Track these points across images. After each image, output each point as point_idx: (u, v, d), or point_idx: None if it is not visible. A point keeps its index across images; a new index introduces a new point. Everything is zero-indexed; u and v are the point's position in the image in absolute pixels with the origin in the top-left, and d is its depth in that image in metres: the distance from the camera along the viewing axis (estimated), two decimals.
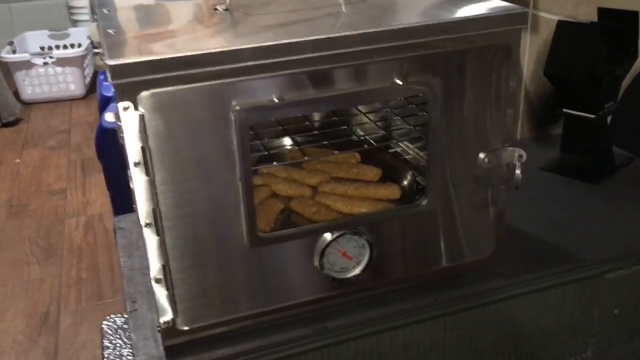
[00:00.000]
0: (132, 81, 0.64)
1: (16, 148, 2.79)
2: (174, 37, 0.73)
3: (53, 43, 3.44)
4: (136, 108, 0.65)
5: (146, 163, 0.68)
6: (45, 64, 3.13)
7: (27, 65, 3.12)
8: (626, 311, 0.98)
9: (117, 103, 0.64)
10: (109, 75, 0.63)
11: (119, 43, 0.69)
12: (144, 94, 0.65)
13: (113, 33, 0.72)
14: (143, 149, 0.67)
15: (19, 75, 3.14)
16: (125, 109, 0.65)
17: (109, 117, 0.67)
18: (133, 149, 0.67)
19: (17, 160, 2.68)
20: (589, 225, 1.02)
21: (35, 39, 3.42)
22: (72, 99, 3.25)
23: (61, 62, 3.14)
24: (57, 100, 3.23)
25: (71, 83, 3.21)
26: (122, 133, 0.66)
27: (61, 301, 1.84)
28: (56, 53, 3.19)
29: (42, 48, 3.40)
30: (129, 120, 0.65)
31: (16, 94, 3.17)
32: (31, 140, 2.86)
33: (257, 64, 0.68)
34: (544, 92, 1.44)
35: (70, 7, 3.58)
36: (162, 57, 0.64)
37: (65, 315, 1.79)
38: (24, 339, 1.70)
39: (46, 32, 3.44)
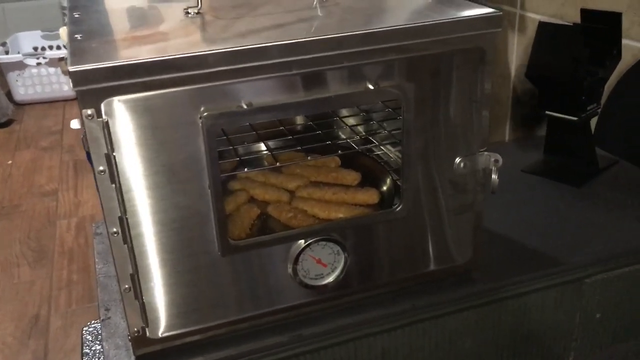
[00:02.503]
0: (94, 88, 0.63)
1: (8, 149, 2.78)
2: (141, 42, 0.72)
3: (46, 43, 3.43)
4: (99, 115, 0.64)
5: (111, 171, 0.67)
6: (39, 64, 3.12)
7: (20, 65, 3.11)
8: (608, 315, 0.98)
9: (80, 110, 0.63)
10: (70, 81, 0.62)
11: (84, 49, 0.68)
12: (108, 100, 0.64)
13: (79, 38, 0.71)
14: (107, 156, 0.66)
15: (12, 76, 3.13)
16: (89, 116, 0.64)
17: (74, 124, 0.66)
18: (98, 157, 0.66)
19: (9, 162, 2.67)
20: (570, 229, 1.01)
21: (28, 40, 3.41)
22: (65, 100, 3.24)
23: (54, 62, 3.12)
24: (50, 101, 3.22)
25: (64, 84, 3.20)
26: (86, 140, 0.65)
27: (51, 303, 1.83)
28: (49, 54, 3.18)
29: (35, 48, 3.39)
30: (92, 127, 0.64)
31: (9, 94, 3.16)
32: (23, 141, 2.85)
33: (225, 69, 0.67)
34: (531, 93, 1.43)
35: (63, 8, 3.57)
36: (126, 63, 0.63)
37: (55, 318, 1.78)
38: (14, 342, 1.69)
39: (39, 32, 3.42)
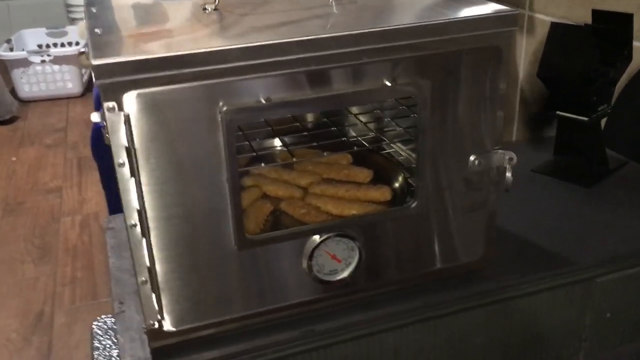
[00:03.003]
0: (116, 81, 0.63)
1: (12, 146, 2.78)
2: (161, 37, 0.72)
3: (51, 41, 3.43)
4: (121, 108, 0.64)
5: (131, 164, 0.67)
6: (43, 61, 3.12)
7: (24, 63, 3.11)
8: (619, 315, 0.98)
9: (102, 103, 0.64)
10: (93, 75, 0.62)
11: (105, 43, 0.68)
12: (129, 94, 0.64)
13: (99, 32, 0.71)
14: (128, 149, 0.66)
15: (16, 73, 3.13)
16: (110, 109, 0.64)
17: (94, 117, 0.67)
18: (118, 150, 0.66)
19: (14, 159, 2.67)
20: (580, 229, 1.01)
21: (32, 37, 3.41)
22: (69, 97, 3.24)
23: (59, 60, 3.13)
24: (54, 99, 3.22)
25: (68, 81, 3.20)
26: (107, 133, 0.66)
27: (55, 300, 1.83)
28: (54, 51, 3.18)
29: (40, 46, 3.39)
30: (113, 120, 0.65)
31: (13, 91, 3.16)
32: (27, 139, 2.85)
33: (244, 65, 0.67)
34: (539, 93, 1.44)
35: (68, 5, 3.57)
36: (148, 57, 0.64)
37: (59, 315, 1.78)
38: (18, 338, 1.69)
39: (44, 30, 3.43)
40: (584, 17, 1.21)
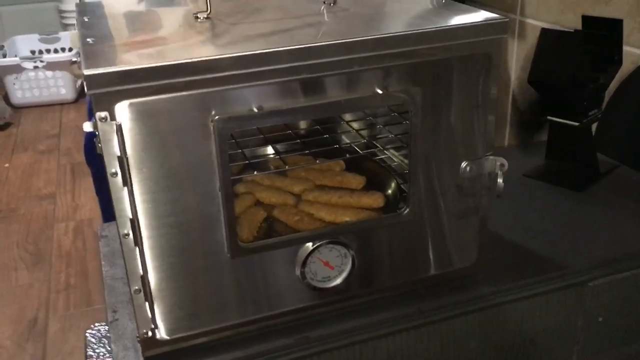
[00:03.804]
0: (108, 91, 0.63)
1: (5, 152, 2.77)
2: (153, 46, 0.73)
3: (43, 47, 3.43)
4: (113, 118, 0.65)
5: (124, 173, 0.67)
6: (36, 67, 3.12)
7: (17, 69, 3.10)
8: (611, 318, 0.98)
9: (94, 113, 0.64)
10: (85, 85, 0.62)
11: (96, 52, 0.68)
12: (121, 104, 0.65)
13: (91, 42, 0.71)
14: (120, 159, 0.66)
15: (9, 79, 3.13)
16: (102, 119, 0.64)
17: (87, 127, 0.67)
18: (110, 159, 0.66)
19: (7, 165, 2.66)
20: (572, 233, 1.02)
21: (25, 43, 3.41)
22: (62, 103, 3.24)
23: (51, 66, 3.13)
24: (47, 105, 3.22)
25: (62, 87, 3.20)
26: (99, 143, 0.66)
27: (49, 307, 1.83)
28: (46, 57, 3.18)
29: (33, 52, 3.39)
30: (106, 130, 0.65)
31: (6, 98, 3.16)
32: (21, 145, 2.84)
33: (236, 74, 0.68)
34: (531, 99, 1.45)
35: (61, 11, 3.57)
36: (139, 67, 0.64)
37: (53, 321, 1.77)
38: (12, 345, 1.69)
39: (37, 36, 3.42)
40: (574, 22, 1.22)
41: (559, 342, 0.97)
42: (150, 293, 0.74)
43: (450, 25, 0.75)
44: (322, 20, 0.80)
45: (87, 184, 2.36)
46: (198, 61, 0.66)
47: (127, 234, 0.70)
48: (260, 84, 0.69)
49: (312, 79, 0.71)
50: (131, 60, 0.66)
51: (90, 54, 0.68)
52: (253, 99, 0.70)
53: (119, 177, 0.67)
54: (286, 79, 0.70)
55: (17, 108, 3.18)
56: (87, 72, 0.62)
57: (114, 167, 0.67)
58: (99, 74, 0.62)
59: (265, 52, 0.68)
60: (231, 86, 0.68)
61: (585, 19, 1.12)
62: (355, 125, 1.01)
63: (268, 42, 0.72)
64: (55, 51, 3.42)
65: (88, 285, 1.92)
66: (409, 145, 0.79)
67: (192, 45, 0.74)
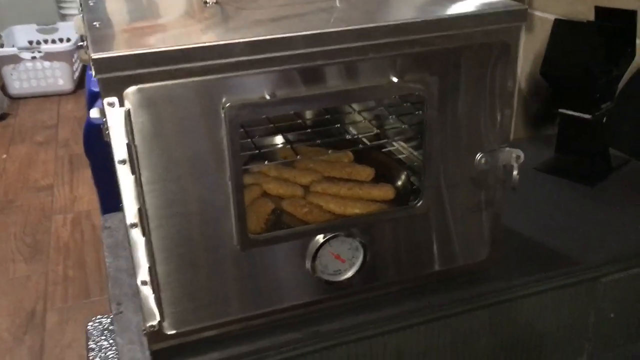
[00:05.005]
0: (117, 76, 0.61)
1: (3, 143, 2.75)
2: (162, 30, 0.70)
3: (41, 37, 3.39)
4: (122, 104, 0.62)
5: (132, 161, 0.65)
6: (34, 58, 3.09)
7: (15, 59, 3.07)
8: (622, 315, 0.97)
9: (102, 98, 0.62)
10: (93, 69, 0.60)
11: (104, 36, 0.66)
12: (131, 89, 0.62)
13: (98, 26, 0.69)
14: (129, 146, 0.64)
15: (7, 70, 3.09)
16: (111, 104, 0.62)
17: (94, 113, 0.65)
18: (119, 146, 0.64)
19: (4, 156, 2.63)
20: (584, 228, 1.00)
21: (23, 33, 3.37)
22: (60, 94, 3.21)
23: (50, 56, 3.10)
24: (45, 95, 3.19)
25: (59, 78, 3.17)
26: (107, 130, 0.64)
27: (47, 299, 1.81)
28: (45, 47, 3.15)
29: (31, 42, 3.36)
30: (114, 116, 0.63)
31: (4, 88, 3.13)
32: (18, 136, 2.82)
33: (248, 59, 0.66)
34: (538, 91, 1.43)
35: (59, 1, 3.53)
36: (149, 50, 0.62)
37: (51, 314, 1.76)
38: (9, 337, 1.67)
39: (35, 26, 3.39)
40: (585, 13, 1.20)
41: (570, 338, 0.96)
42: (158, 285, 0.72)
43: (467, 13, 0.73)
44: (334, 5, 0.78)
45: (85, 175, 2.34)
46: (210, 46, 0.64)
47: (135, 224, 0.68)
48: (273, 70, 0.67)
49: (325, 66, 0.69)
50: (140, 44, 0.64)
51: (98, 37, 0.65)
52: (266, 86, 0.68)
53: (127, 165, 0.65)
54: (300, 65, 0.68)
55: (14, 99, 3.15)
56: (95, 55, 0.60)
57: (122, 154, 0.64)
58: (108, 58, 0.60)
59: (279, 38, 0.66)
60: (243, 72, 0.66)
61: (598, 10, 1.11)
62: (365, 115, 0.99)
63: (281, 28, 0.70)
64: (53, 42, 3.39)
65: (86, 277, 1.90)
66: (423, 136, 0.77)
67: (202, 29, 0.72)
